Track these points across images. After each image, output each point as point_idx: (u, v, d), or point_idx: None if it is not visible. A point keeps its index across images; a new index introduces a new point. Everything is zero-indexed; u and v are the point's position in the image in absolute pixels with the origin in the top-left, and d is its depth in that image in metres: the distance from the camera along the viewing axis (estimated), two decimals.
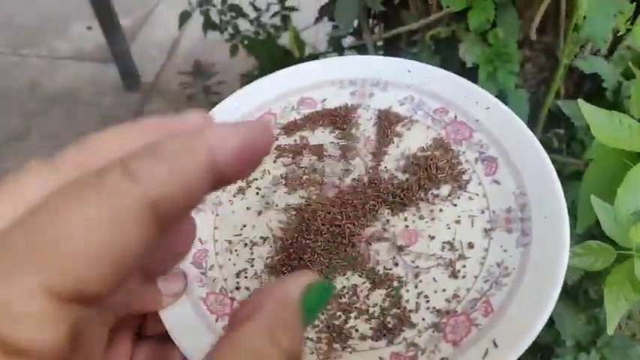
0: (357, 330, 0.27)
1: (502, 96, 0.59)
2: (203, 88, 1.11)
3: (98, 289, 0.12)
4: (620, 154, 0.41)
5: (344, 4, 0.68)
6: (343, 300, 0.28)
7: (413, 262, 0.29)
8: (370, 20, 0.76)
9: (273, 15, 0.99)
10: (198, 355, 0.25)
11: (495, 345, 0.24)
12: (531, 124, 0.66)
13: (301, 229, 0.31)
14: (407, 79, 0.35)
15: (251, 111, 0.36)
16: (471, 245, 0.29)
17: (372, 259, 0.29)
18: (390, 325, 0.27)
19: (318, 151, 0.34)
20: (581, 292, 0.67)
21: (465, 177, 0.31)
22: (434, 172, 0.32)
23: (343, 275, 0.29)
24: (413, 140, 0.34)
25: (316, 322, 0.28)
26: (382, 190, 0.32)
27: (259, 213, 0.33)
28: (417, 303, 0.27)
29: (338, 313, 0.28)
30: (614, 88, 0.61)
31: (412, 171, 0.32)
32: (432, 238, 0.30)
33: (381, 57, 0.37)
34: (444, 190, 0.31)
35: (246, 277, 0.30)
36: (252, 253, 0.31)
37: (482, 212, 0.30)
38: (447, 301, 0.27)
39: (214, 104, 0.37)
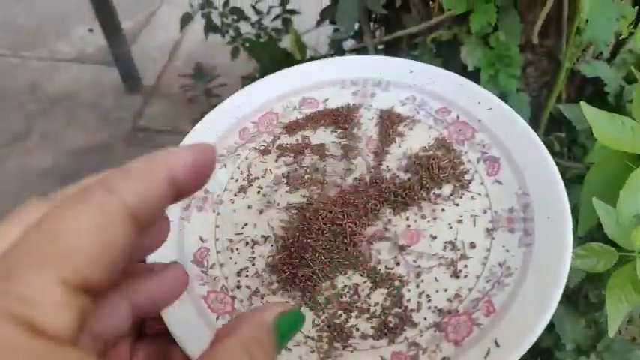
0: (358, 329, 0.27)
1: (503, 99, 0.59)
2: (204, 90, 1.11)
3: (99, 278, 0.14)
4: (621, 157, 0.41)
5: (345, 7, 0.68)
6: (344, 299, 0.28)
7: (415, 261, 0.29)
8: (371, 23, 0.76)
9: (275, 18, 0.99)
10: (199, 352, 0.25)
11: (497, 345, 0.24)
12: (533, 127, 0.66)
13: (302, 228, 0.31)
14: (409, 79, 0.35)
15: (252, 110, 0.36)
16: (472, 245, 0.29)
17: (373, 259, 0.29)
18: (391, 325, 0.27)
19: (320, 150, 0.34)
20: (581, 296, 0.67)
21: (467, 177, 0.31)
22: (436, 172, 0.32)
23: (344, 274, 0.29)
24: (415, 140, 0.34)
25: (317, 321, 0.27)
26: (384, 190, 0.31)
27: (260, 212, 0.32)
28: (418, 302, 0.27)
29: (339, 312, 0.28)
30: (616, 92, 0.61)
31: (414, 171, 0.32)
32: (434, 237, 0.29)
33: (383, 57, 0.37)
34: (446, 189, 0.31)
35: (247, 275, 0.30)
36: (253, 251, 0.31)
37: (485, 212, 0.30)
38: (449, 300, 0.27)
39: (215, 107, 0.37)
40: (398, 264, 0.29)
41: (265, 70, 0.88)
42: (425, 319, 0.27)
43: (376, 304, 0.28)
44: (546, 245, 0.27)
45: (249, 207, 0.33)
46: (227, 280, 0.30)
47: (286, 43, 0.95)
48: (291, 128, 0.36)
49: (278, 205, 0.33)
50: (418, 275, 0.28)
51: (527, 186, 0.29)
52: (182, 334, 0.25)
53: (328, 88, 0.36)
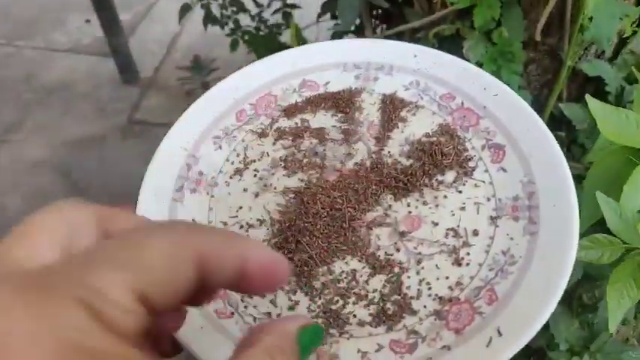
0: (355, 315, 0.26)
1: None
2: (202, 83, 1.09)
3: (159, 302, 0.15)
4: (623, 152, 0.40)
5: (347, 1, 0.67)
6: (341, 285, 0.27)
7: (415, 248, 0.28)
8: (372, 16, 0.75)
9: (275, 12, 0.98)
10: (188, 336, 0.24)
11: (500, 334, 0.23)
12: None
13: (300, 212, 0.30)
14: (413, 63, 0.34)
15: (251, 92, 0.35)
16: (475, 233, 0.28)
17: (372, 245, 0.28)
18: (389, 312, 0.26)
19: (320, 134, 0.33)
20: (575, 299, 0.66)
21: (471, 164, 0.30)
22: (439, 158, 0.31)
23: (342, 260, 0.28)
24: (418, 126, 0.33)
25: (313, 307, 0.26)
26: (385, 175, 0.31)
27: (256, 195, 0.31)
28: (418, 290, 0.26)
29: (335, 298, 0.27)
30: (617, 93, 0.61)
31: (416, 156, 0.31)
32: (436, 224, 0.29)
33: (387, 40, 0.36)
34: (449, 176, 0.30)
35: None
36: (247, 235, 0.30)
37: (488, 200, 0.29)
38: (450, 288, 0.26)
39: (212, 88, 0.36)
40: (398, 250, 0.28)
41: None
42: (425, 307, 0.26)
43: (374, 290, 0.27)
44: (552, 233, 0.26)
45: (245, 190, 0.32)
46: None
47: (286, 37, 0.94)
48: (290, 111, 0.35)
49: (275, 188, 0.32)
50: (419, 262, 0.27)
51: (533, 174, 0.29)
52: None
53: (329, 71, 0.36)
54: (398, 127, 0.33)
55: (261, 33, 0.95)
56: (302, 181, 0.31)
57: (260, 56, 0.88)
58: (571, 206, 0.26)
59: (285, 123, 0.34)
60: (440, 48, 0.65)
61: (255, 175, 0.32)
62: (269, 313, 0.26)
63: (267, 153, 0.33)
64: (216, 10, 0.98)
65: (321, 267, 0.28)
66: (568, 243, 0.25)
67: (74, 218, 0.17)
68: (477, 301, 0.25)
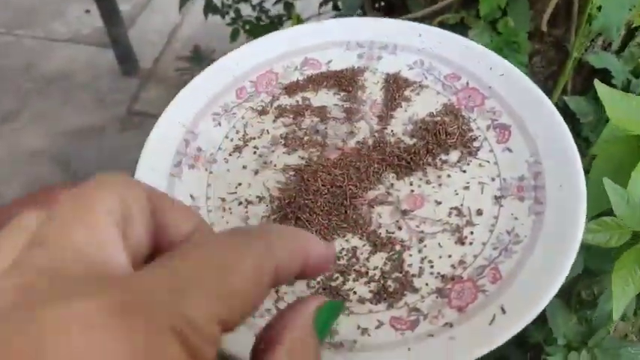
0: (355, 292, 0.25)
1: None
2: None
3: (235, 324, 0.14)
4: (630, 141, 0.40)
5: None
6: (342, 262, 0.26)
7: (417, 226, 0.27)
8: (375, 8, 0.74)
9: (277, 1, 0.97)
10: None
11: (503, 311, 0.23)
12: None
13: (300, 189, 0.29)
14: (417, 42, 0.34)
15: (251, 69, 0.35)
16: (479, 212, 0.27)
17: (373, 222, 0.28)
18: (390, 289, 0.25)
19: (321, 112, 0.33)
20: (574, 295, 0.66)
21: (476, 144, 0.30)
22: (443, 138, 0.30)
23: (343, 237, 0.27)
24: (422, 105, 0.32)
25: (312, 283, 0.26)
26: (388, 154, 0.30)
27: (256, 172, 0.31)
28: (420, 268, 0.26)
29: (335, 275, 0.26)
30: (623, 86, 0.60)
31: (420, 136, 0.30)
32: (439, 203, 0.28)
33: (391, 19, 0.35)
34: (453, 156, 0.30)
35: None
36: (246, 211, 0.29)
37: (493, 180, 0.28)
38: (453, 267, 0.25)
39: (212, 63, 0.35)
40: (400, 228, 0.27)
41: None
42: (427, 284, 0.25)
43: (375, 268, 0.26)
44: (558, 213, 0.25)
45: (244, 167, 0.31)
46: None
47: (287, 27, 0.93)
48: (291, 89, 0.34)
49: (275, 165, 0.31)
50: (421, 240, 0.27)
51: (540, 154, 0.28)
52: None
53: (332, 50, 0.35)
54: (401, 107, 0.32)
55: (262, 23, 0.94)
56: (302, 158, 0.31)
57: None
58: (578, 186, 0.26)
59: (286, 101, 0.34)
60: None
61: (254, 153, 0.32)
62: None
63: (267, 130, 0.32)
64: (217, 0, 0.98)
65: None
66: (575, 222, 0.25)
67: (128, 199, 0.14)
68: (480, 280, 0.24)
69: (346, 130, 0.32)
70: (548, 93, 0.65)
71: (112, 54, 1.42)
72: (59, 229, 0.13)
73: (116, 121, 1.33)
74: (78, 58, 1.50)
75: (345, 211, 0.28)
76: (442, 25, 0.63)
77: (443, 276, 0.25)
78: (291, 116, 0.33)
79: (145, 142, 0.31)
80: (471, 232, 0.26)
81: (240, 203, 0.29)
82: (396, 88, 0.33)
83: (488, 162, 0.29)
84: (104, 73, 1.44)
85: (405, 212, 0.28)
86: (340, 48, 0.35)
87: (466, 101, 0.31)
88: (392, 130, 0.31)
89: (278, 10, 0.98)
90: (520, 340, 0.62)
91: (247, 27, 0.93)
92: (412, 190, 0.29)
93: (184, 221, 0.16)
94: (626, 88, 0.60)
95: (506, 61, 0.31)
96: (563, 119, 0.28)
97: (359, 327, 0.24)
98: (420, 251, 0.26)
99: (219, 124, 0.33)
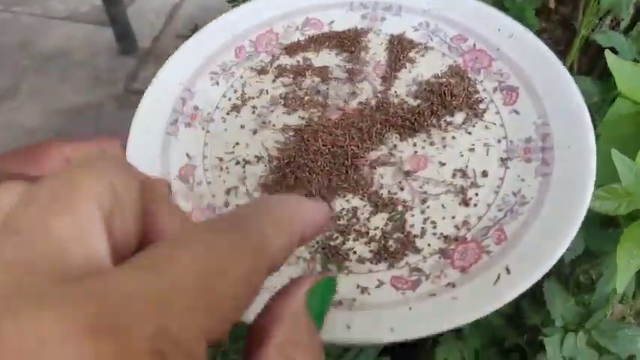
0: (354, 252, 0.24)
1: None
2: None
3: (220, 336, 0.12)
4: (637, 116, 0.39)
5: None
6: (341, 222, 0.25)
7: (420, 187, 0.26)
8: None
9: None
10: None
11: (508, 271, 0.22)
12: None
13: (300, 149, 0.28)
14: (423, 4, 0.33)
15: (251, 28, 0.33)
16: (485, 174, 0.26)
17: (375, 183, 0.27)
18: (391, 249, 0.24)
19: (323, 72, 0.32)
20: (572, 278, 0.65)
21: (482, 106, 0.29)
22: (448, 99, 0.29)
23: (343, 197, 0.26)
24: (427, 67, 0.31)
25: (312, 243, 0.25)
26: (391, 115, 0.29)
27: (254, 132, 0.30)
28: (422, 228, 0.25)
29: (335, 235, 0.25)
30: None
31: (424, 97, 0.30)
32: (443, 164, 0.27)
33: None
34: (458, 117, 0.29)
35: (236, 194, 0.27)
36: (244, 171, 0.28)
37: (499, 141, 0.27)
38: (456, 227, 0.25)
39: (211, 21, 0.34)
40: (402, 189, 0.26)
41: None
42: (429, 245, 0.24)
43: (376, 228, 0.25)
44: (566, 174, 0.25)
45: (242, 126, 0.30)
46: (214, 197, 0.27)
47: None
48: (292, 49, 0.33)
49: (274, 125, 0.30)
50: (424, 201, 0.26)
51: (548, 115, 0.27)
52: None
53: (334, 10, 0.34)
54: (406, 68, 0.31)
55: None
56: (302, 119, 0.30)
57: None
58: (588, 146, 0.25)
59: (286, 61, 0.32)
60: None
61: (253, 112, 0.31)
62: None
63: (267, 90, 0.31)
64: None
65: None
66: (584, 182, 0.24)
67: (118, 186, 0.13)
68: (484, 241, 0.24)
69: (348, 91, 0.31)
70: None
71: (111, 32, 1.40)
72: (37, 214, 0.12)
73: (113, 99, 1.32)
74: (76, 36, 1.48)
75: (346, 172, 0.27)
76: None
77: (446, 237, 0.24)
78: (292, 76, 0.32)
79: (141, 100, 0.30)
80: (476, 194, 0.26)
81: (238, 163, 0.28)
82: (400, 49, 0.32)
83: (495, 124, 0.28)
84: (102, 52, 1.42)
85: (407, 173, 0.27)
86: (343, 9, 0.34)
87: (472, 63, 0.30)
88: (395, 91, 0.30)
89: None
90: (517, 322, 0.62)
91: None
92: (415, 152, 0.28)
93: (175, 215, 0.14)
94: None
95: (516, 22, 0.30)
96: (573, 79, 0.27)
97: (358, 286, 0.23)
98: (422, 212, 0.25)
99: (217, 83, 0.32)
